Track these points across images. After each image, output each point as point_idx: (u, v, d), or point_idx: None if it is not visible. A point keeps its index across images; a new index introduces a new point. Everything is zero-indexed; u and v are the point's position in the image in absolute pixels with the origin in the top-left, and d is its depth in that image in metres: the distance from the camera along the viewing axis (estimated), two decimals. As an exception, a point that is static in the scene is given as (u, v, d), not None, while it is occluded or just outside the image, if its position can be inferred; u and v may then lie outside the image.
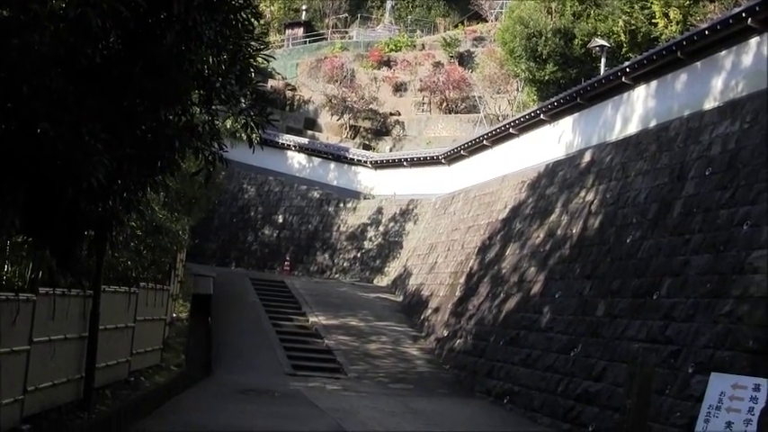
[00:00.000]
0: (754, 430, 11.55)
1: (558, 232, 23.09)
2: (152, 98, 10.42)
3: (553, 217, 24.07)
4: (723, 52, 19.05)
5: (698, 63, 20.00)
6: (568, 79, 34.60)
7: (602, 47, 30.25)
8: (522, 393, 19.93)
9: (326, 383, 22.24)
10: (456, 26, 63.05)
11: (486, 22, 59.47)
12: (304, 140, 47.16)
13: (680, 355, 15.16)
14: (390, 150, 47.41)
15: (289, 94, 55.02)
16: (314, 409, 17.99)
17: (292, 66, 58.45)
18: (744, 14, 17.79)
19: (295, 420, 16.51)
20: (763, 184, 15.44)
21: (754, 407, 12.38)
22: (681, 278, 16.43)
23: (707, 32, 19.13)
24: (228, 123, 24.47)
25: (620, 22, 33.44)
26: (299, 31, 66.56)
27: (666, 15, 31.38)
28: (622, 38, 33.48)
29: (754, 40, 18.09)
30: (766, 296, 13.88)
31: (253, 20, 11.60)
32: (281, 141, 45.93)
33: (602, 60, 30.14)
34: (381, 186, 42.13)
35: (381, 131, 50.42)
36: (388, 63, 57.09)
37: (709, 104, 19.18)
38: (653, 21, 32.27)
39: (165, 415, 15.80)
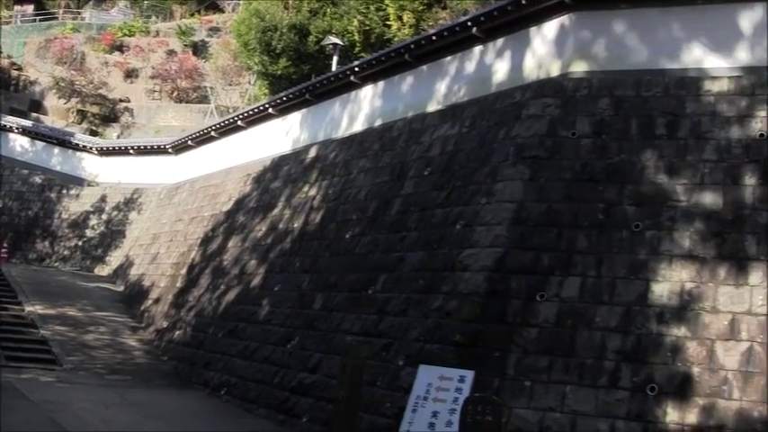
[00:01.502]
0: (458, 419, 11.87)
1: (281, 226, 23.12)
2: None
3: (276, 211, 24.07)
4: (448, 58, 19.72)
5: (424, 67, 20.59)
6: (301, 75, 34.73)
7: (335, 45, 30.60)
8: (239, 385, 19.79)
9: (40, 375, 21.25)
10: (192, 15, 62.06)
11: (223, 12, 59.01)
12: (27, 123, 44.92)
13: (392, 348, 15.47)
14: (118, 137, 46.10)
15: (14, 73, 52.51)
16: (25, 401, 17.13)
17: (19, 44, 55.86)
18: (469, 23, 18.49)
19: (5, 413, 15.69)
20: (477, 186, 16.07)
21: (459, 397, 12.86)
22: (396, 274, 16.82)
23: (434, 38, 19.75)
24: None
25: (355, 22, 33.91)
26: (30, 9, 63.70)
27: (400, 18, 32.11)
28: (356, 37, 33.97)
29: (477, 49, 18.85)
30: (474, 292, 14.43)
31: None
32: (2, 123, 43.67)
33: (335, 58, 30.48)
34: (106, 174, 40.77)
35: (110, 118, 49.02)
36: (120, 48, 55.58)
37: (432, 107, 19.79)
38: (387, 22, 32.92)
39: None
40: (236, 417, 18.44)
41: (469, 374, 13.29)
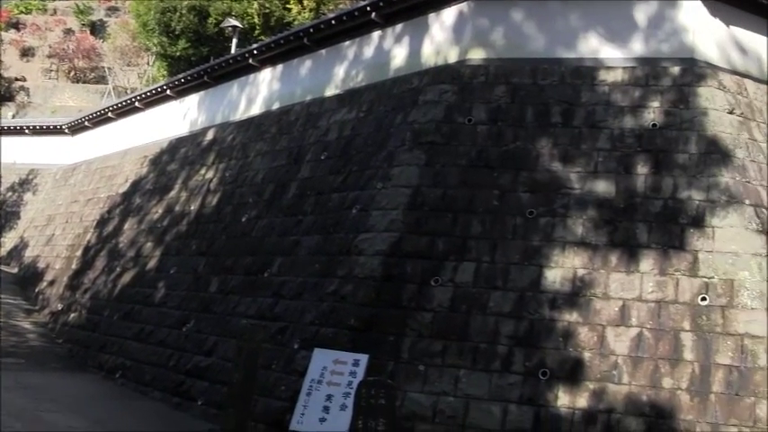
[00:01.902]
0: (352, 402, 11.69)
1: (177, 208, 22.62)
2: None
3: (173, 193, 23.53)
4: (347, 42, 19.43)
5: (323, 51, 20.27)
6: (200, 57, 34.17)
7: (234, 27, 30.11)
8: (134, 368, 19.30)
9: (-71, 360, 20.50)
10: (91, -7, 60.69)
11: (123, -9, 57.82)
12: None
13: (287, 332, 15.21)
14: (13, 117, 44.77)
15: None
16: None
17: None
18: (368, 8, 18.20)
19: None
20: (373, 170, 15.84)
21: (353, 381, 12.66)
22: (292, 257, 16.53)
23: (333, 22, 19.40)
24: None
25: (255, 5, 33.47)
26: None
27: (300, 2, 31.84)
28: (256, 20, 33.52)
29: (376, 34, 18.59)
30: (369, 277, 14.20)
31: None
32: None
33: (234, 41, 30.01)
34: (1, 154, 39.55)
35: (5, 97, 47.53)
36: (16, 26, 53.95)
37: (330, 91, 19.49)
38: (287, 6, 32.56)
39: None
40: (132, 399, 17.99)
41: (364, 358, 13.11)
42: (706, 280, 12.81)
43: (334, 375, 13.20)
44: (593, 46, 15.43)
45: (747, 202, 13.44)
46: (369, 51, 18.68)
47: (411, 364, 13.21)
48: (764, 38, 15.91)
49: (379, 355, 13.30)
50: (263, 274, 17.04)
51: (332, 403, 12.96)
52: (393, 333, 13.56)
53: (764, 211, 13.53)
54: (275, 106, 21.47)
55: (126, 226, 25.06)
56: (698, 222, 13.32)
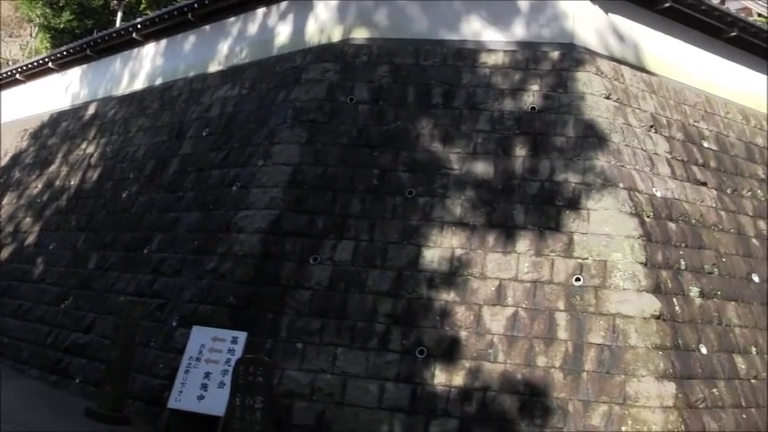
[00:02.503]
0: (230, 379, 11.43)
1: (57, 183, 21.78)
2: None
3: (53, 168, 22.66)
4: (232, 19, 18.85)
5: (207, 27, 19.64)
6: (84, 29, 32.98)
7: (119, 0, 29.30)
8: (11, 345, 18.48)
9: None
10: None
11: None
12: None
13: (166, 309, 14.71)
14: None
15: None
16: None
17: None
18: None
19: None
20: (255, 148, 15.41)
21: (231, 358, 12.33)
22: (171, 234, 16.00)
23: (217, -3, 18.88)
24: None
25: (141, -22, 32.64)
26: None
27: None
28: (142, -7, 32.70)
29: (261, 11, 18.08)
30: (249, 254, 13.81)
31: None
32: None
33: (119, 14, 29.19)
34: None
35: None
36: None
37: (213, 68, 18.92)
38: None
39: None
40: (8, 378, 17.20)
41: (242, 336, 12.78)
42: (580, 261, 12.79)
43: (212, 353, 12.86)
44: (476, 28, 15.25)
45: (621, 185, 13.44)
46: (253, 28, 18.18)
47: (289, 342, 12.88)
48: (641, 26, 16.00)
49: (257, 333, 12.96)
50: (142, 251, 16.46)
51: (210, 381, 12.64)
52: (272, 311, 13.20)
53: (638, 194, 13.56)
54: (158, 81, 20.78)
55: (5, 201, 24.11)
56: (573, 204, 13.27)
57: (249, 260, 13.79)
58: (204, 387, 12.64)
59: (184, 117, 18.40)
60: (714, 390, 12.48)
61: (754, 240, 15.34)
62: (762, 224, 15.80)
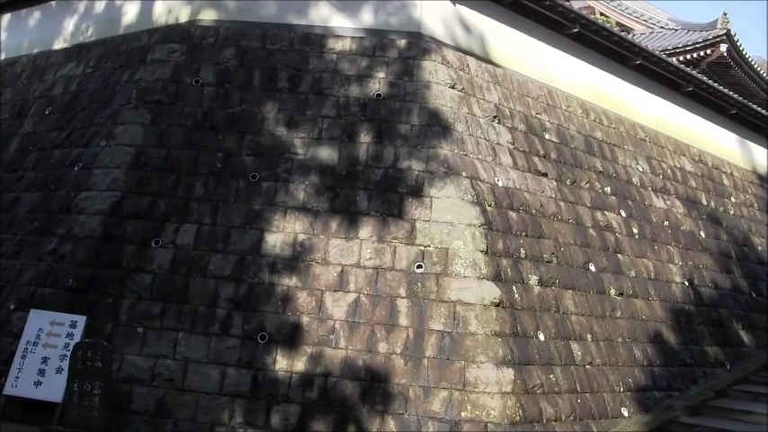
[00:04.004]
0: (68, 364, 11.06)
1: None
2: None
3: None
4: (80, -5, 18.07)
5: (53, 2, 18.75)
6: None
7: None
8: None
9: None
10: None
11: None
12: None
13: (3, 292, 13.86)
14: None
15: None
16: None
17: None
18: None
19: None
20: (98, 128, 14.73)
21: (70, 343, 11.83)
22: (10, 215, 15.13)
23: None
24: None
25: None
26: None
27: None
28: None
29: (109, -13, 17.35)
30: (89, 236, 13.16)
31: None
32: None
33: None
34: None
35: None
36: None
37: (58, 45, 18.08)
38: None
39: None
40: None
41: (81, 320, 12.22)
42: (422, 248, 12.68)
43: (50, 337, 12.24)
44: (324, 14, 14.95)
45: (464, 174, 13.37)
46: (100, 6, 17.38)
47: (129, 327, 12.37)
48: (488, 18, 15.99)
49: (97, 317, 12.40)
50: (-17, 233, 15.56)
51: (48, 366, 12.06)
52: (112, 295, 12.64)
53: (480, 183, 13.53)
54: (1, 57, 19.72)
55: None
56: (416, 192, 13.15)
57: (89, 242, 13.16)
58: (42, 373, 12.05)
59: (27, 95, 17.51)
60: (551, 375, 12.58)
61: (591, 231, 15.54)
62: (599, 215, 16.01)
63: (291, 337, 12.11)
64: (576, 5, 19.70)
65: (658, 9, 38.79)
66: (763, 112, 24.42)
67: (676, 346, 15.86)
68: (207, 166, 13.59)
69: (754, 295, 19.56)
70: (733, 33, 31.76)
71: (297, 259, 12.67)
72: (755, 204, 22.89)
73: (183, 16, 15.53)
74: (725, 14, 31.52)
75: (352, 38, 14.74)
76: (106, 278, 12.80)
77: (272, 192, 13.26)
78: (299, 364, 11.91)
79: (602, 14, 33.48)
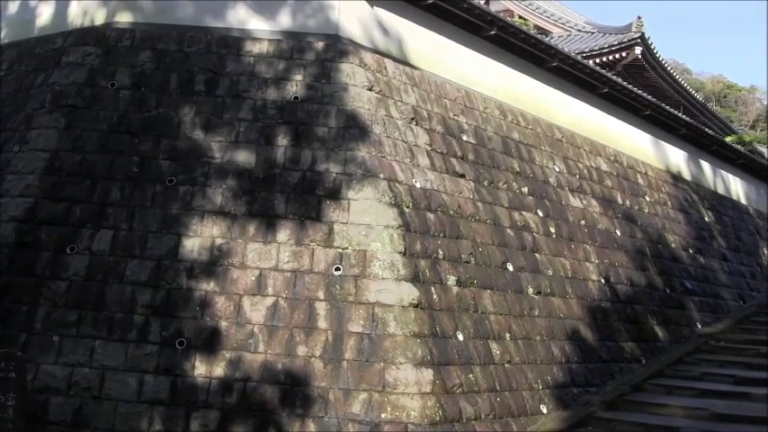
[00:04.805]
0: None
1: None
2: None
3: None
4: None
5: (-36, 4, 18.26)
6: None
7: None
8: None
9: None
10: None
11: None
12: None
13: None
14: None
15: None
16: None
17: None
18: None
19: None
20: (11, 133, 14.27)
21: None
22: None
23: (-26, -26, 17.48)
24: None
25: None
26: None
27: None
28: None
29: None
30: (2, 244, 12.76)
31: None
32: None
33: None
34: None
35: None
36: None
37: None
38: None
39: None
40: None
41: None
42: (340, 251, 12.60)
43: None
44: (242, 17, 14.73)
45: (382, 176, 13.32)
46: (13, 7, 16.88)
47: (45, 335, 12.04)
48: (406, 20, 15.97)
49: (10, 326, 12.07)
50: None
51: None
52: (26, 303, 12.29)
53: (398, 185, 13.49)
54: None
55: None
56: (334, 195, 13.06)
57: (3, 250, 12.77)
58: (-47, 384, 11.61)
59: (-63, 98, 16.99)
60: (470, 375, 12.59)
61: (509, 231, 15.61)
62: (516, 215, 16.09)
63: (210, 342, 11.92)
64: (494, 8, 19.91)
65: (576, 12, 39.40)
66: (676, 113, 24.92)
67: (593, 343, 16.05)
68: (123, 171, 13.30)
69: (668, 291, 19.90)
70: (647, 36, 32.39)
71: (214, 264, 12.48)
72: (669, 203, 23.27)
73: (99, 18, 15.17)
74: (639, 18, 32.15)
75: (269, 40, 14.57)
76: (20, 286, 12.45)
77: (190, 196, 13.05)
78: (218, 370, 11.74)
79: (521, 18, 33.81)
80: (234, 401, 11.54)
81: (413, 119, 14.89)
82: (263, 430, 11.38)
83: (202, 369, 11.75)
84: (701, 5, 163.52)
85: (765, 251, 28.74)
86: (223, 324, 12.04)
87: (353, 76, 14.19)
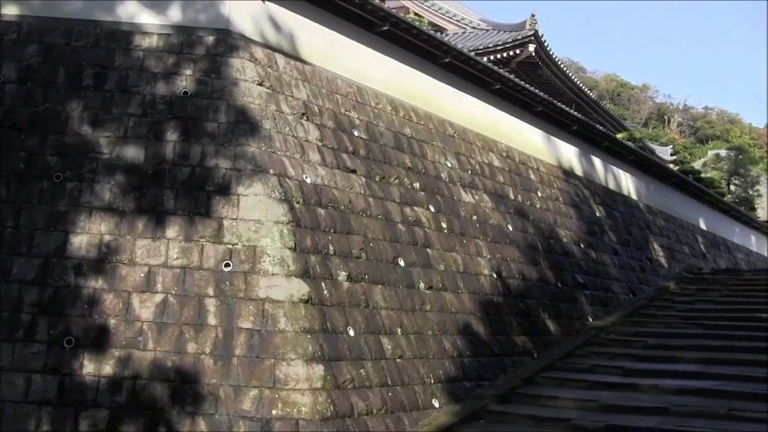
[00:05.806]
0: None
1: None
2: None
3: None
4: None
5: None
6: None
7: None
8: None
9: None
10: None
11: None
12: None
13: None
14: None
15: None
16: None
17: None
18: None
19: None
20: None
21: None
22: None
23: None
24: None
25: None
26: None
27: None
28: None
29: None
30: None
31: None
32: None
33: None
34: None
35: None
36: None
37: None
38: None
39: None
40: None
41: None
42: (230, 247, 12.71)
43: None
44: (131, 10, 14.62)
45: (272, 171, 13.46)
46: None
47: (-74, 338, 11.84)
48: (297, 15, 16.08)
49: None
50: None
51: None
52: None
53: (288, 180, 13.64)
54: None
55: None
56: (224, 190, 13.15)
57: None
58: None
59: None
60: (362, 370, 12.82)
61: (400, 226, 15.86)
62: (408, 210, 16.36)
63: (99, 340, 11.91)
64: (390, 5, 20.13)
65: (470, 10, 40.04)
66: (568, 109, 25.55)
67: (485, 337, 16.40)
68: (9, 167, 13.15)
69: (559, 285, 20.41)
70: (541, 34, 33.12)
71: (103, 261, 12.46)
72: (561, 198, 23.82)
73: (-15, 13, 14.94)
74: (533, 16, 32.86)
75: (159, 35, 14.51)
76: None
77: (77, 192, 12.97)
78: (107, 368, 11.74)
79: (416, 14, 34.22)
80: (123, 400, 11.54)
81: (304, 114, 15.04)
82: (153, 429, 11.41)
83: (91, 368, 11.72)
84: (597, 5, 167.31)
85: (655, 245, 29.61)
86: (112, 322, 12.03)
87: (243, 71, 14.27)
